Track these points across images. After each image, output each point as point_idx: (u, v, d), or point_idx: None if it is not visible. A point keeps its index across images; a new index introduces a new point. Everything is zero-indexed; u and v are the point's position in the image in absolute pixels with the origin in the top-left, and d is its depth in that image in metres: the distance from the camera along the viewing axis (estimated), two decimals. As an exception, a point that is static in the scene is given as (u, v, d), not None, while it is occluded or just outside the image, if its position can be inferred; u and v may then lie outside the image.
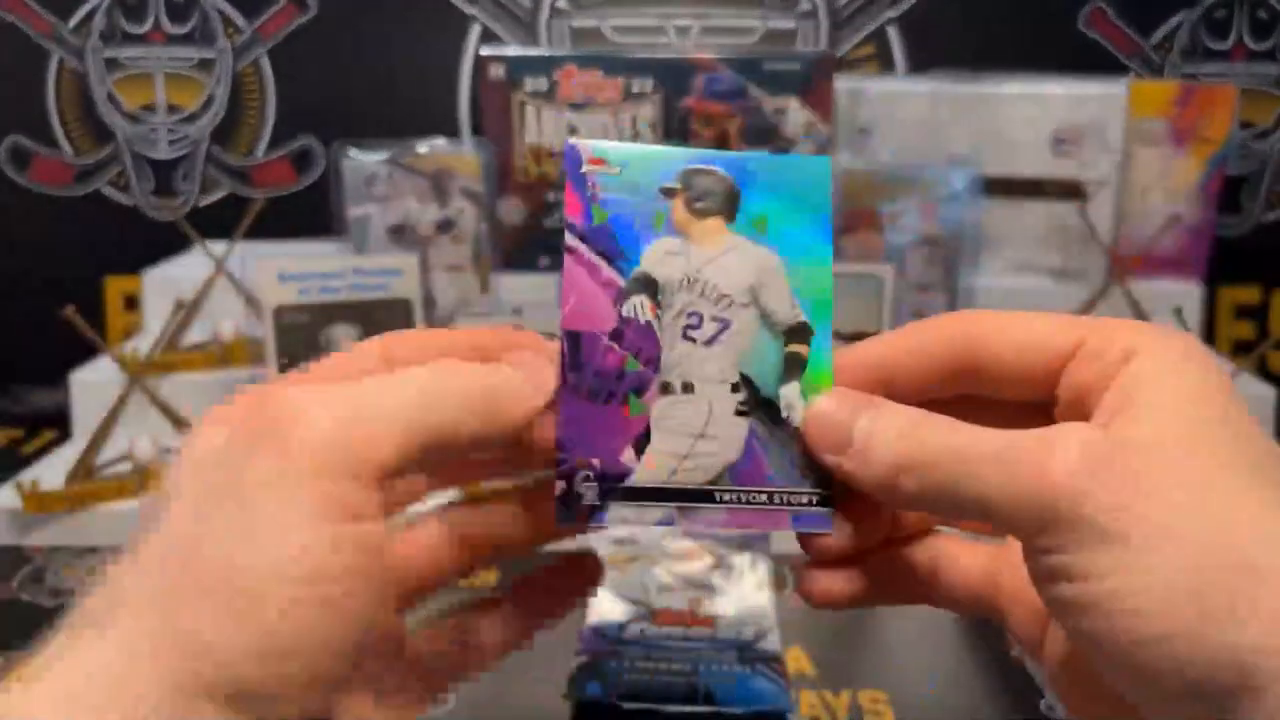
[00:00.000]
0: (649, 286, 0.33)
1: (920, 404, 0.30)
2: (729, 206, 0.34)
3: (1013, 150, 0.88)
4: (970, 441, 0.28)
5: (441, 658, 0.34)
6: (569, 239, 0.33)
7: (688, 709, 0.48)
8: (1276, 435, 0.79)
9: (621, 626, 0.54)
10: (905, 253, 0.81)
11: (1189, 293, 0.88)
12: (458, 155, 0.84)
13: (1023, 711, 0.52)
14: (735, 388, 0.33)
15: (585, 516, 0.32)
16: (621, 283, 0.33)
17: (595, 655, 0.51)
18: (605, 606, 0.56)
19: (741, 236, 0.34)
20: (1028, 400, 0.31)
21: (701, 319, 0.33)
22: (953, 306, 0.81)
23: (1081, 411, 0.29)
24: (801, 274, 0.34)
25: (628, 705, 0.48)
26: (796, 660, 0.56)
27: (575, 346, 0.32)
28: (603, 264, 0.33)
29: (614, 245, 0.33)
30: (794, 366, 0.33)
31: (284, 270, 0.72)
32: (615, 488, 0.32)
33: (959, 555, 0.35)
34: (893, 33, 1.00)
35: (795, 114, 0.86)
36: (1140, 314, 0.81)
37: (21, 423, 0.90)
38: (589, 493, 0.32)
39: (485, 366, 0.30)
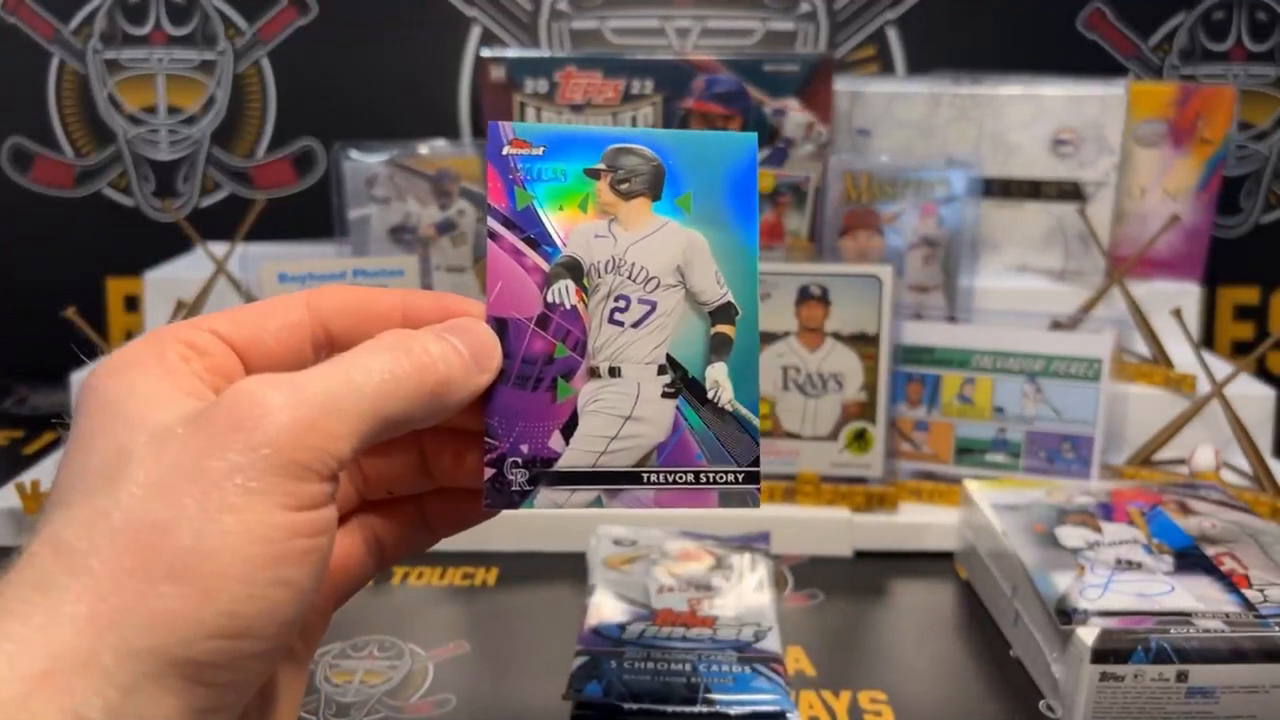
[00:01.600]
0: (574, 270, 0.33)
1: None
2: (654, 186, 0.34)
3: (1012, 151, 0.88)
4: None
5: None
6: (492, 224, 0.33)
7: (688, 709, 0.48)
8: (1276, 435, 0.80)
9: (621, 627, 0.54)
10: (905, 253, 0.81)
11: (1188, 293, 0.88)
12: (458, 156, 0.84)
13: (1023, 711, 0.52)
14: (662, 369, 0.33)
15: (514, 502, 0.33)
16: (546, 267, 0.33)
17: (595, 655, 0.52)
18: (605, 607, 0.56)
19: (668, 216, 0.34)
20: None
21: (629, 302, 0.33)
22: (952, 307, 0.81)
23: None
24: (727, 253, 0.33)
25: (628, 705, 0.48)
26: (796, 660, 0.57)
27: (502, 333, 0.33)
28: (527, 249, 0.33)
29: (539, 229, 0.33)
30: (720, 347, 0.33)
31: (285, 271, 0.72)
32: (543, 472, 0.33)
33: None
34: (892, 33, 1.00)
35: (795, 115, 0.87)
36: (1140, 314, 0.82)
37: (22, 423, 0.90)
38: (517, 478, 0.33)
39: (435, 346, 0.30)
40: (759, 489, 0.33)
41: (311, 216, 0.95)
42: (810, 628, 0.60)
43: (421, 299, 0.33)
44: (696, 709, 0.48)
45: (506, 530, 0.69)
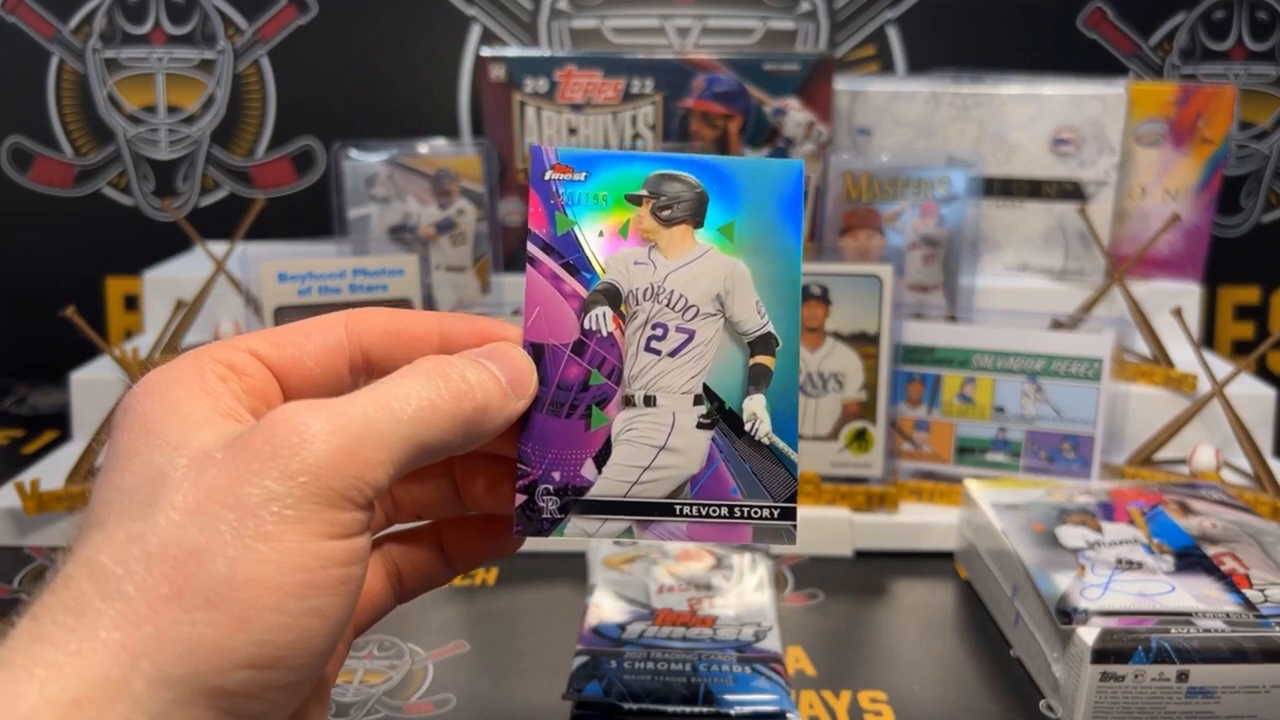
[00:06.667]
0: (613, 297, 0.33)
1: None
2: (697, 213, 0.33)
3: (1013, 150, 0.88)
4: None
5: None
6: (531, 249, 0.33)
7: (688, 709, 0.48)
8: (1276, 435, 0.79)
9: (621, 626, 0.54)
10: (905, 252, 0.81)
11: (1188, 292, 0.88)
12: (458, 155, 0.84)
13: (1023, 711, 0.52)
14: (698, 400, 0.33)
15: (544, 529, 0.32)
16: (585, 293, 0.33)
17: (595, 655, 0.51)
18: (605, 607, 0.56)
19: (709, 244, 0.33)
20: None
21: (666, 330, 0.33)
22: (953, 307, 0.81)
23: None
24: (770, 282, 0.33)
25: (628, 705, 0.48)
26: (796, 660, 0.57)
27: (538, 359, 0.32)
28: (566, 275, 0.33)
29: (578, 255, 0.33)
30: (759, 378, 0.33)
31: (284, 270, 0.72)
32: (575, 500, 0.32)
33: None
34: (893, 33, 1.00)
35: (795, 114, 0.86)
36: (1140, 314, 0.82)
37: (22, 423, 0.90)
38: (548, 505, 0.32)
39: (472, 373, 0.30)
40: (795, 525, 0.32)
41: (311, 216, 0.95)
42: (810, 628, 0.60)
43: (459, 323, 0.33)
44: (696, 709, 0.48)
45: (506, 530, 0.68)
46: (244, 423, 0.28)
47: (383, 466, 0.27)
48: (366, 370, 0.32)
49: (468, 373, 0.30)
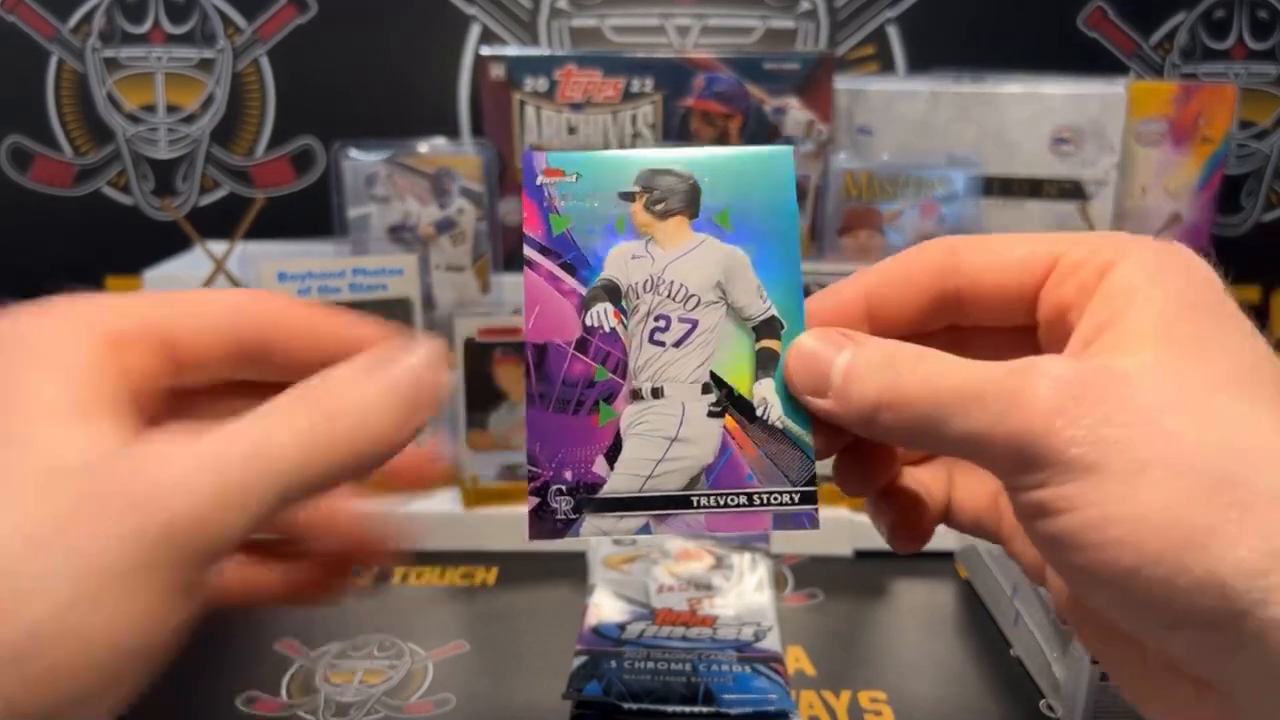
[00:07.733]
0: (612, 292, 0.33)
1: (909, 337, 0.29)
2: (690, 204, 0.33)
3: (1013, 150, 0.88)
4: (943, 374, 0.27)
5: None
6: (528, 252, 0.33)
7: (688, 709, 0.48)
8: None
9: (621, 626, 0.54)
10: (905, 252, 0.81)
11: (1189, 292, 0.88)
12: (458, 155, 0.84)
13: (1023, 711, 0.52)
14: (706, 388, 0.33)
15: (559, 530, 0.32)
16: (584, 291, 0.33)
17: (595, 655, 0.51)
18: (605, 606, 0.56)
19: (706, 234, 0.33)
20: (1014, 325, 0.30)
21: (669, 321, 0.33)
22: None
23: (1063, 331, 0.28)
24: (770, 266, 0.33)
25: (628, 705, 0.48)
26: (796, 660, 0.56)
27: (541, 358, 0.32)
28: (564, 274, 0.33)
29: (575, 254, 0.33)
30: (766, 362, 0.33)
31: (284, 270, 0.72)
32: (589, 499, 0.32)
33: (969, 479, 0.34)
34: (893, 33, 1.00)
35: (795, 113, 0.86)
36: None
37: (21, 423, 0.90)
38: (562, 505, 0.32)
39: (370, 395, 0.27)
40: (816, 509, 0.32)
41: (310, 215, 0.95)
42: (810, 627, 0.60)
43: (339, 325, 0.31)
44: (696, 709, 0.48)
45: (506, 530, 0.68)
46: (117, 419, 0.25)
47: (248, 521, 0.25)
48: (262, 361, 0.30)
49: (350, 402, 0.27)
